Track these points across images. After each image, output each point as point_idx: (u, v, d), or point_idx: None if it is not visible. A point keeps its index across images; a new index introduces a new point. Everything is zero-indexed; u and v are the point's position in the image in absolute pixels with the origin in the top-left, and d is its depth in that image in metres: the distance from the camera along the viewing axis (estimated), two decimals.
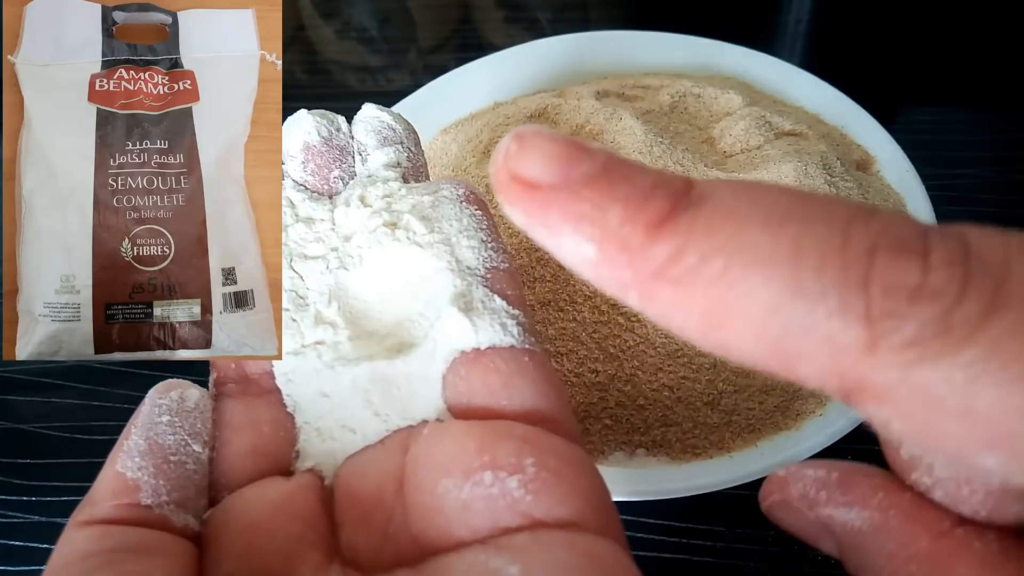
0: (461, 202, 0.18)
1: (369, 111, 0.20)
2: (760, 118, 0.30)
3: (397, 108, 0.31)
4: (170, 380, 0.16)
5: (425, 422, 0.15)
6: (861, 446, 0.31)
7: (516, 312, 0.16)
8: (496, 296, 0.16)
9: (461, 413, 0.15)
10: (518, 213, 0.10)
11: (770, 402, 0.29)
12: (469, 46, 0.34)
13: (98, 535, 0.13)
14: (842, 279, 0.08)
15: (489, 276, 0.17)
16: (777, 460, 0.28)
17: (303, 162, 0.20)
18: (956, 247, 0.08)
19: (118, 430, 0.29)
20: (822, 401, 0.29)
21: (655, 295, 0.09)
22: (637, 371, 0.29)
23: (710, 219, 0.09)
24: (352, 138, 0.20)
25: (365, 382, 0.16)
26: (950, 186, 0.31)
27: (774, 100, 0.30)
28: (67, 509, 0.15)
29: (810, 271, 0.08)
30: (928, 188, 0.30)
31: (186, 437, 0.15)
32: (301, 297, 0.18)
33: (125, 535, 0.13)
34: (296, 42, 0.38)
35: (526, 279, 0.29)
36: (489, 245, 0.17)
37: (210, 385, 0.17)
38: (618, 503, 0.30)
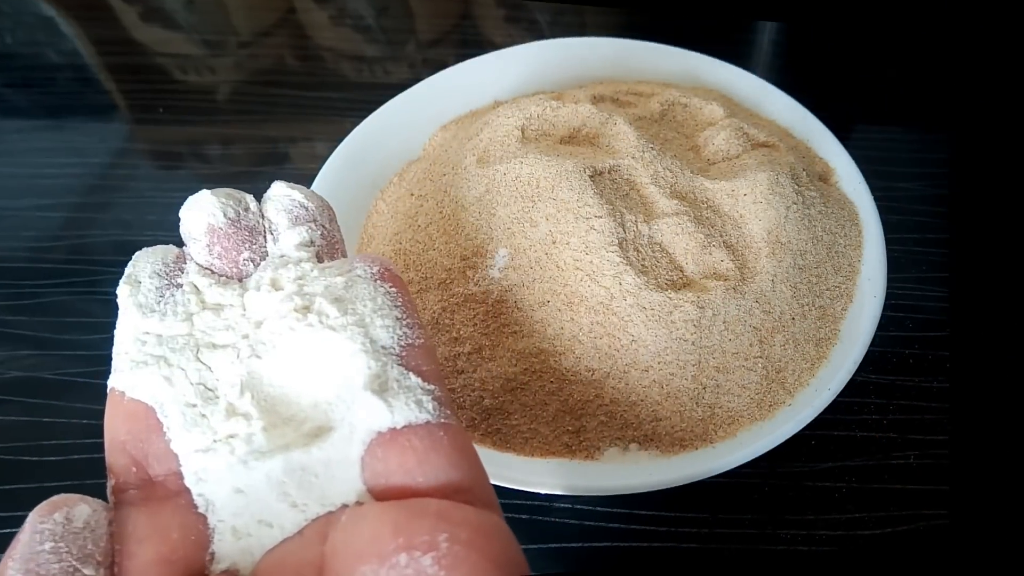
0: (375, 280, 0.18)
1: (279, 189, 0.20)
2: (739, 129, 0.32)
3: (397, 101, 0.30)
4: (55, 498, 0.14)
5: (345, 507, 0.16)
6: (823, 432, 0.34)
7: (431, 387, 0.16)
8: (411, 374, 0.17)
9: (380, 494, 0.15)
10: None
11: (747, 395, 0.31)
12: (468, 42, 0.34)
13: None
14: None
15: (404, 354, 0.17)
16: (755, 448, 0.30)
17: (208, 245, 0.19)
18: None
19: (74, 449, 0.27)
20: (790, 392, 0.32)
21: None
22: (630, 368, 0.30)
23: None
24: (263, 217, 0.20)
25: (280, 474, 0.16)
26: (892, 197, 0.35)
27: (751, 113, 0.32)
28: None
29: None
30: (876, 199, 0.33)
31: (74, 562, 0.14)
32: (210, 390, 0.18)
33: None
34: (286, 25, 0.36)
35: (524, 280, 0.29)
36: (404, 322, 0.17)
37: (108, 494, 0.16)
38: (614, 496, 0.31)
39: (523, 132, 0.29)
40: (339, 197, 0.28)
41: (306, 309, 0.18)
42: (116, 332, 0.21)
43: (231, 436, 0.17)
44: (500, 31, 0.32)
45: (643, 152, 0.30)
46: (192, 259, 0.21)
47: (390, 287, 0.18)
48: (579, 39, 0.30)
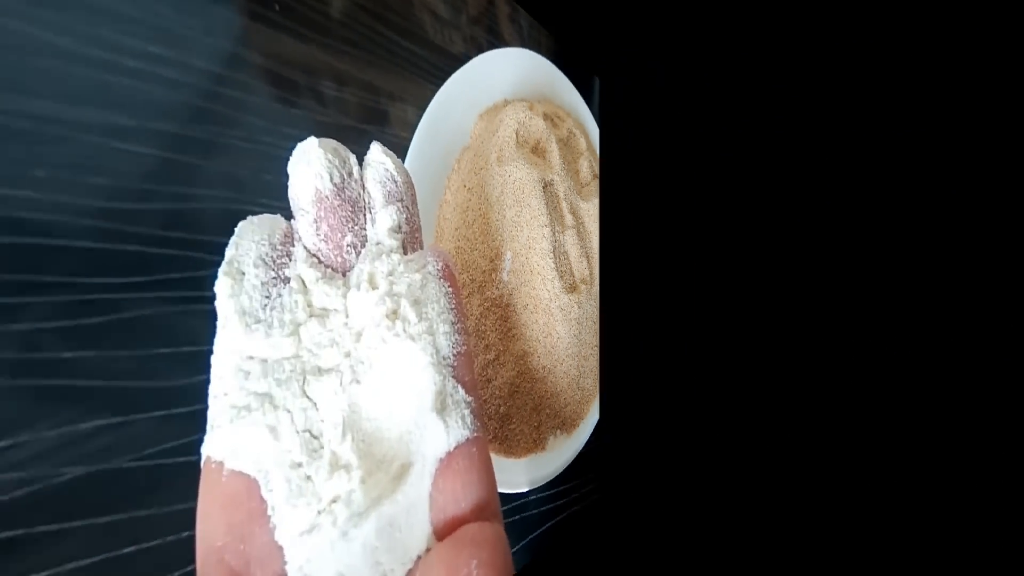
0: (440, 278, 0.17)
1: (378, 154, 0.17)
2: (590, 161, 0.38)
3: (458, 76, 0.24)
4: None
5: (419, 559, 0.15)
6: None
7: (470, 399, 0.16)
8: (460, 386, 0.16)
9: (441, 531, 0.15)
10: None
11: (592, 376, 0.39)
12: (492, 29, 0.27)
13: None
14: None
15: (456, 364, 0.16)
16: (596, 417, 0.38)
17: (315, 220, 0.16)
18: None
19: None
20: None
21: None
22: (556, 364, 0.34)
23: None
24: (363, 188, 0.17)
25: (373, 538, 0.14)
26: None
27: (593, 150, 0.39)
28: None
29: None
30: None
31: None
32: (315, 437, 0.15)
33: None
34: None
35: (517, 283, 0.29)
36: (457, 327, 0.17)
37: None
38: (555, 478, 0.35)
39: (517, 136, 0.29)
40: (418, 180, 0.21)
41: (394, 314, 0.16)
42: (214, 358, 0.15)
43: (334, 500, 0.14)
44: (506, 28, 0.29)
45: (560, 170, 0.34)
46: (300, 240, 0.17)
47: (449, 287, 0.17)
48: (545, 60, 0.31)
